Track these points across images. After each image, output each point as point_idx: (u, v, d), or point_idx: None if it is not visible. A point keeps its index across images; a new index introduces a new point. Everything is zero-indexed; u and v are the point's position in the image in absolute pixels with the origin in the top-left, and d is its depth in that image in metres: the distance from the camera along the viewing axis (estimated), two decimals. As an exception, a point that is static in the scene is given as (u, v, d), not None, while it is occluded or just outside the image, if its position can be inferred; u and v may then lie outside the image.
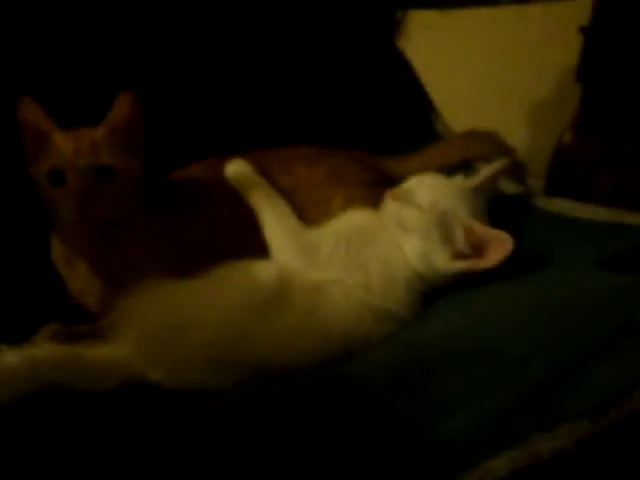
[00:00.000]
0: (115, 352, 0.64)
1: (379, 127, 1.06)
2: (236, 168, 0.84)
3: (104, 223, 0.73)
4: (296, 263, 0.75)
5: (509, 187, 0.88)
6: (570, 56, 1.32)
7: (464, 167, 0.94)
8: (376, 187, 0.87)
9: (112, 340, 0.65)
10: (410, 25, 1.20)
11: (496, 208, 0.81)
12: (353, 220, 0.79)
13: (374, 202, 0.83)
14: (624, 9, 1.21)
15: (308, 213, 0.83)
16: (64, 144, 0.70)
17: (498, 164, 0.82)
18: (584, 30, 1.28)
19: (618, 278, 0.63)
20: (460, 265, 0.72)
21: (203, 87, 0.98)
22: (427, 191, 0.76)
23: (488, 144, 0.93)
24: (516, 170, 0.90)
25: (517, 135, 1.75)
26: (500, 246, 0.70)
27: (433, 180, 0.78)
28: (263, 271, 0.72)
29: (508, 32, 1.46)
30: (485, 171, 0.80)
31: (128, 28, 0.91)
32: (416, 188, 0.77)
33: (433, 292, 0.75)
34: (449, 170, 0.91)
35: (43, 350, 0.62)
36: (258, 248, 0.78)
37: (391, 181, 0.90)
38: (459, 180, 0.80)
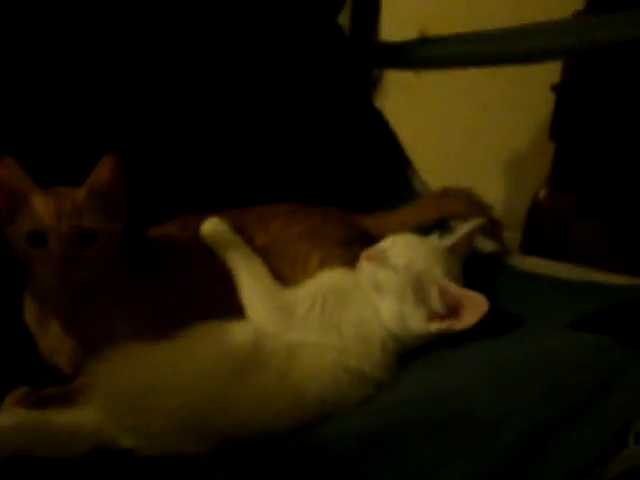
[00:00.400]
0: (85, 417, 0.63)
1: (356, 184, 1.07)
2: (211, 226, 0.84)
3: (83, 284, 0.73)
4: (271, 324, 0.75)
5: (485, 245, 0.89)
6: (543, 114, 1.37)
7: (440, 225, 0.95)
8: (352, 245, 0.87)
9: (83, 404, 0.64)
10: (387, 84, 1.23)
11: (472, 267, 0.82)
12: (329, 280, 0.79)
13: (350, 261, 0.83)
14: (594, 68, 1.25)
15: (284, 272, 0.83)
16: (45, 206, 0.69)
17: (473, 224, 0.83)
18: (556, 88, 1.32)
19: (592, 338, 0.63)
20: (435, 327, 0.73)
21: (184, 145, 0.99)
22: (402, 251, 0.76)
23: (464, 202, 0.94)
24: (492, 228, 0.91)
25: (493, 190, 1.79)
26: (475, 308, 0.70)
27: (408, 240, 0.79)
28: (238, 334, 0.71)
29: (481, 91, 1.51)
30: (460, 231, 0.81)
31: (111, 90, 0.93)
32: (391, 248, 0.77)
33: (409, 352, 0.75)
34: (425, 228, 0.92)
35: (10, 416, 0.61)
36: (236, 308, 0.78)
37: (368, 239, 0.91)
38: (434, 240, 0.81)
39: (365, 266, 0.77)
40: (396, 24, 1.16)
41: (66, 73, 0.89)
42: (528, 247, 1.27)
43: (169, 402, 0.63)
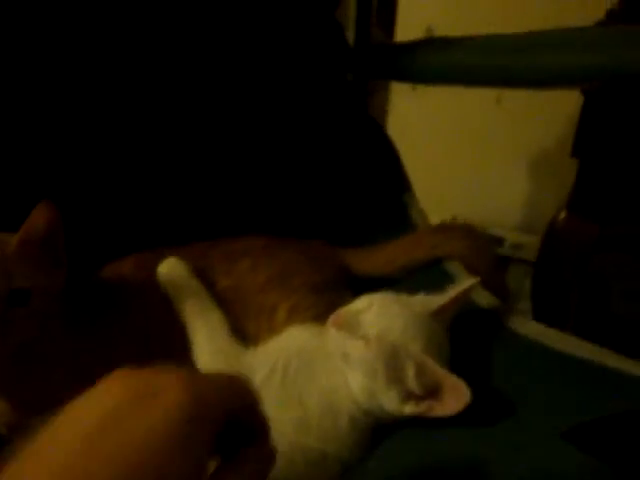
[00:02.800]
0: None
1: (345, 209, 0.95)
2: (168, 269, 0.75)
3: (18, 346, 0.63)
4: None
5: (481, 298, 0.77)
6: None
7: (434, 265, 0.83)
8: (329, 292, 0.78)
9: None
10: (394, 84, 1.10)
11: (463, 323, 0.71)
12: (294, 341, 0.69)
13: (325, 311, 0.72)
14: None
15: (247, 325, 0.74)
16: None
17: (466, 285, 0.71)
18: (586, 92, 1.17)
19: (580, 458, 0.52)
20: (409, 409, 0.62)
21: (148, 160, 0.88)
22: (376, 317, 0.66)
23: (464, 242, 0.83)
24: (491, 277, 0.79)
25: (514, 192, 1.66)
26: (457, 395, 0.59)
27: (384, 303, 0.68)
28: None
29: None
30: (450, 292, 0.70)
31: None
32: (364, 312, 0.66)
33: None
34: (416, 270, 0.81)
35: None
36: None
37: (349, 280, 0.81)
38: (418, 301, 0.69)
39: (332, 334, 0.66)
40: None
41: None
42: (541, 275, 1.15)
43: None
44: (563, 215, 1.09)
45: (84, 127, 0.82)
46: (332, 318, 0.67)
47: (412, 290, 0.73)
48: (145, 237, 0.82)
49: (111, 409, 0.32)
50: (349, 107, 0.98)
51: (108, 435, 0.31)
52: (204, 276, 0.76)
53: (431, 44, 0.98)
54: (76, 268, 0.70)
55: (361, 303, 0.69)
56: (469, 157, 1.62)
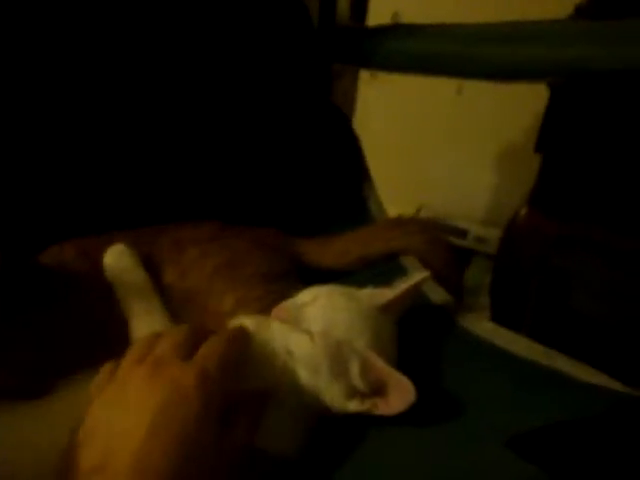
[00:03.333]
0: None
1: (301, 197, 0.92)
2: (114, 260, 0.71)
3: None
4: None
5: (434, 293, 0.75)
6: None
7: (389, 259, 0.81)
8: (278, 283, 0.75)
9: None
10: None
11: (414, 318, 0.69)
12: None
13: (273, 302, 0.70)
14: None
15: (194, 317, 0.70)
16: None
17: (416, 279, 0.69)
18: (552, 85, 1.15)
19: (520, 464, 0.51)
20: (353, 407, 0.60)
21: (97, 137, 0.83)
22: (321, 312, 0.64)
23: (421, 236, 0.81)
24: (447, 273, 0.77)
25: (480, 183, 1.65)
26: (402, 393, 0.57)
27: (330, 296, 0.66)
28: None
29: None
30: (400, 286, 0.68)
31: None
32: (309, 305, 0.64)
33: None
34: (370, 263, 0.79)
35: None
36: None
37: (301, 271, 0.79)
38: (366, 294, 0.67)
39: (275, 325, 0.63)
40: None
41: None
42: (500, 270, 1.14)
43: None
44: (524, 211, 1.08)
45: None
46: (275, 311, 0.65)
47: (366, 284, 0.71)
48: (92, 219, 0.78)
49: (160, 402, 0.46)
50: (311, 91, 0.95)
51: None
52: (151, 264, 0.73)
53: (395, 30, 0.95)
54: (12, 252, 0.66)
55: (306, 296, 0.67)
56: (435, 148, 1.60)
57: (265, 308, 0.70)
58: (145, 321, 0.68)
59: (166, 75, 0.84)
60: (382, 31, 0.93)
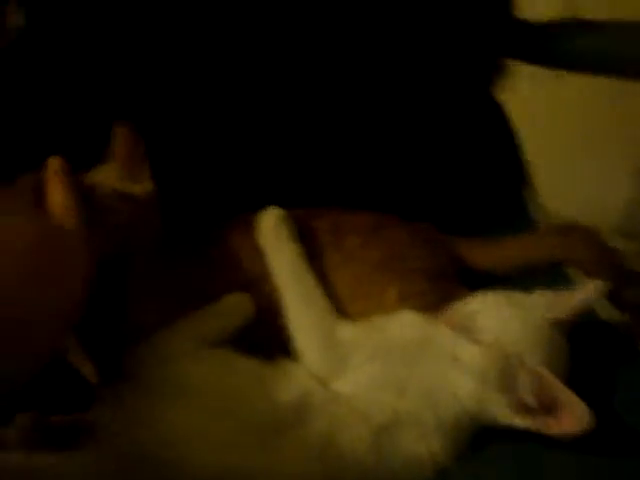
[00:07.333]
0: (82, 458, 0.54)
1: (457, 198, 0.89)
2: (272, 219, 0.71)
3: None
4: (319, 368, 0.64)
5: (603, 309, 0.71)
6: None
7: (552, 266, 0.78)
8: (441, 281, 0.74)
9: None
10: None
11: (582, 336, 0.65)
12: (401, 330, 0.66)
13: (436, 300, 0.70)
14: None
15: (352, 304, 0.70)
16: None
17: (592, 288, 0.65)
18: None
19: None
20: (521, 421, 0.58)
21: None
22: (492, 321, 0.62)
23: (587, 247, 0.77)
24: (616, 288, 0.73)
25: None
26: (577, 417, 0.55)
27: (501, 305, 0.64)
28: (285, 388, 0.60)
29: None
30: (573, 297, 0.65)
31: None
32: (479, 313, 0.63)
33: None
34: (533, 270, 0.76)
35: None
36: None
37: (460, 270, 0.77)
38: (536, 302, 0.64)
39: (444, 333, 0.62)
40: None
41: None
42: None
43: (182, 465, 0.54)
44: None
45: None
46: (446, 316, 0.64)
47: (526, 291, 0.68)
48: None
49: None
50: (479, 87, 0.91)
51: None
52: (308, 244, 0.72)
53: (573, 27, 0.89)
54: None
55: (476, 303, 0.65)
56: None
57: (428, 305, 0.69)
58: (302, 295, 0.67)
59: (341, 65, 0.83)
60: (561, 27, 0.87)
